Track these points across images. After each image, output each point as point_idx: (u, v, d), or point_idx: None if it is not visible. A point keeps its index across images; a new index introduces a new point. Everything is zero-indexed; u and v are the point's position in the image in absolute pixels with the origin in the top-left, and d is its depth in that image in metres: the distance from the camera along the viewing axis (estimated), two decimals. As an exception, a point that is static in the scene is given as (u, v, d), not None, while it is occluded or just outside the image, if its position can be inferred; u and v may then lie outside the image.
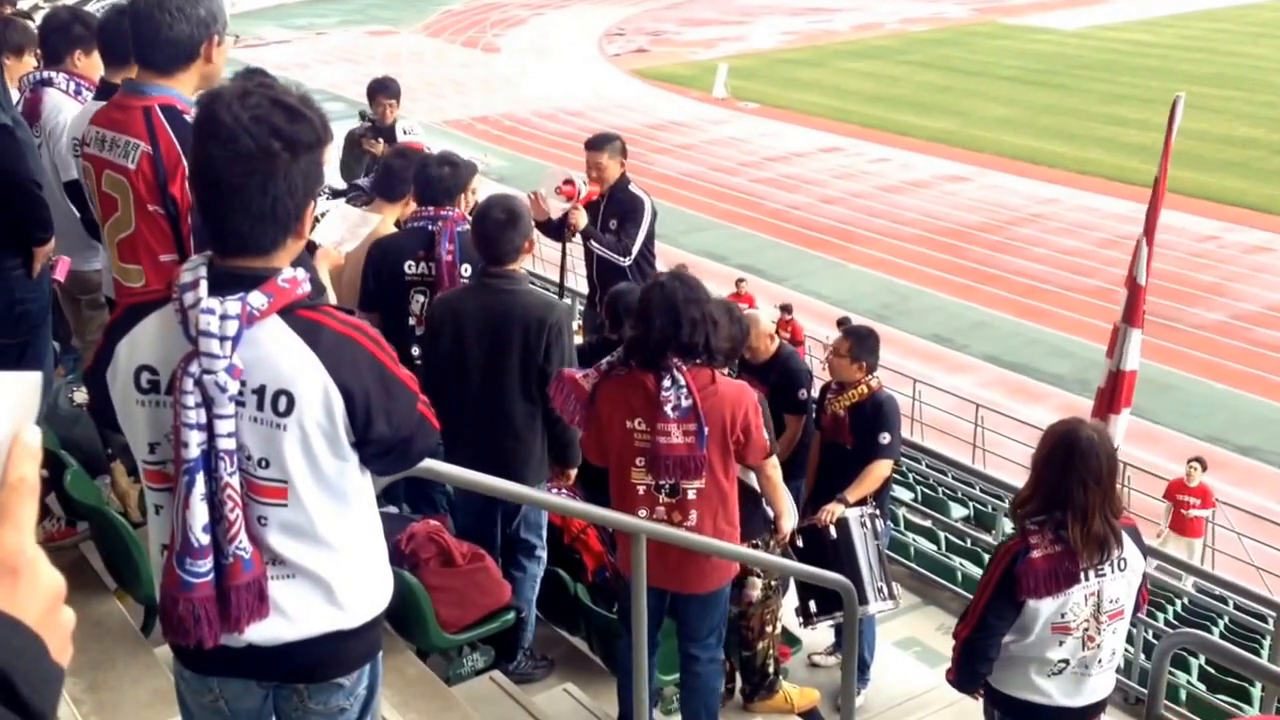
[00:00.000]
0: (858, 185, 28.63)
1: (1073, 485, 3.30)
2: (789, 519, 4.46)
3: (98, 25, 4.30)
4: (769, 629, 4.99)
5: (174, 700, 2.42)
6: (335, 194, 6.08)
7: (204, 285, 1.97)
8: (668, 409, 3.78)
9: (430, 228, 4.74)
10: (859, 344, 5.46)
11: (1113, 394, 8.07)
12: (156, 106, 3.09)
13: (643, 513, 3.90)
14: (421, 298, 4.76)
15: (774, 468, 4.51)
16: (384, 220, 4.99)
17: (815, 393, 5.83)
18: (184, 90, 3.12)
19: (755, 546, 4.69)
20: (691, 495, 3.88)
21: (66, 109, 4.49)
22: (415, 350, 4.64)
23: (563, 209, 6.21)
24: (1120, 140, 29.31)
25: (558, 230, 6.40)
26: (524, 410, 4.38)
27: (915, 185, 28.45)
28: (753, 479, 4.56)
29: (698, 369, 3.83)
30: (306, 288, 2.04)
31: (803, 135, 33.45)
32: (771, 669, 5.07)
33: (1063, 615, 3.39)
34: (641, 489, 3.91)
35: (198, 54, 3.10)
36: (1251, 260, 23.30)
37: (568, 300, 9.40)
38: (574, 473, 4.63)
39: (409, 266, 4.74)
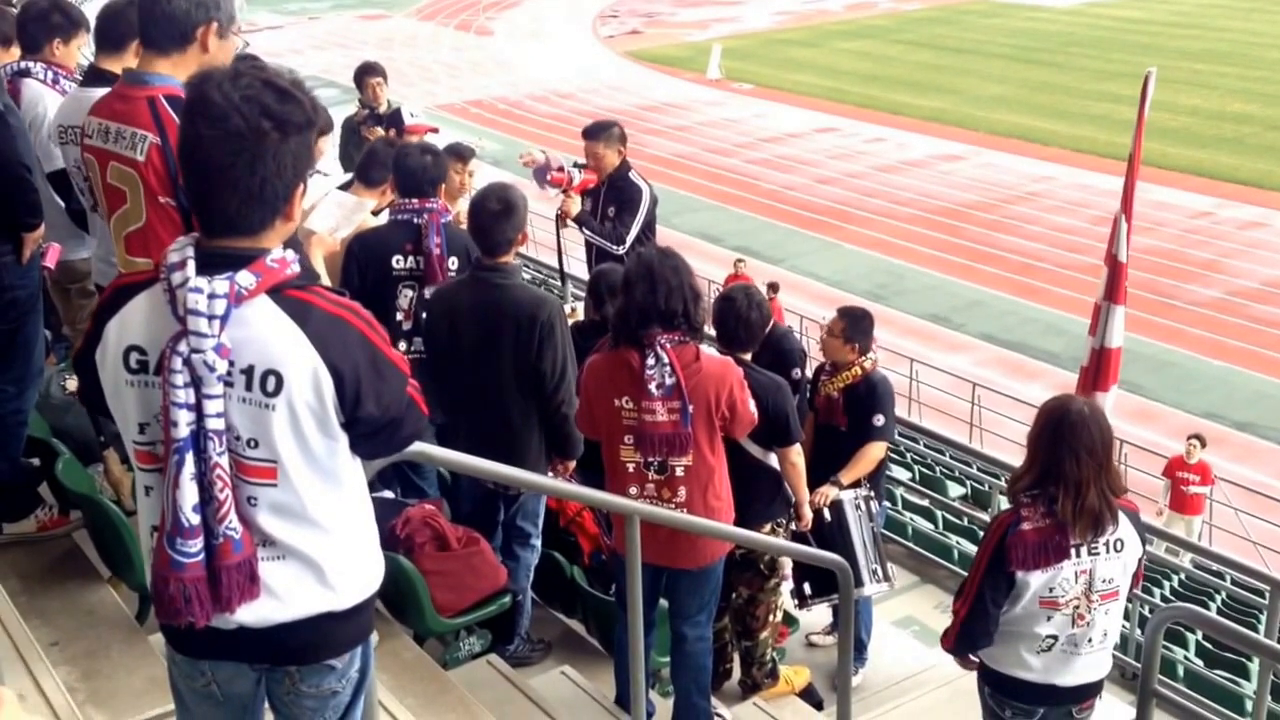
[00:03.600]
0: (853, 165, 28.59)
1: (1064, 458, 3.31)
2: (810, 507, 4.58)
3: (99, 11, 4.26)
4: (773, 617, 4.99)
5: (169, 688, 2.41)
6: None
7: (191, 265, 1.97)
8: (652, 387, 3.79)
9: (416, 220, 4.66)
10: (853, 325, 5.43)
11: (1098, 372, 8.03)
12: (161, 96, 3.06)
13: (633, 490, 3.94)
14: (410, 292, 4.66)
15: (798, 454, 4.56)
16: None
17: (809, 373, 5.80)
18: (184, 79, 3.08)
19: (775, 528, 4.70)
20: (680, 472, 3.91)
21: (46, 99, 4.46)
22: (402, 346, 4.56)
23: (555, 196, 6.19)
24: (1114, 117, 29.19)
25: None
26: (519, 406, 4.34)
27: (910, 165, 28.41)
28: (773, 460, 4.57)
29: (681, 347, 3.83)
30: (296, 268, 2.04)
31: (797, 116, 33.37)
32: (769, 657, 5.07)
33: (1051, 590, 3.39)
34: (631, 466, 3.94)
35: (193, 36, 3.08)
36: (1246, 236, 23.29)
37: (567, 291, 9.40)
38: (573, 464, 4.60)
39: (397, 261, 4.65)
